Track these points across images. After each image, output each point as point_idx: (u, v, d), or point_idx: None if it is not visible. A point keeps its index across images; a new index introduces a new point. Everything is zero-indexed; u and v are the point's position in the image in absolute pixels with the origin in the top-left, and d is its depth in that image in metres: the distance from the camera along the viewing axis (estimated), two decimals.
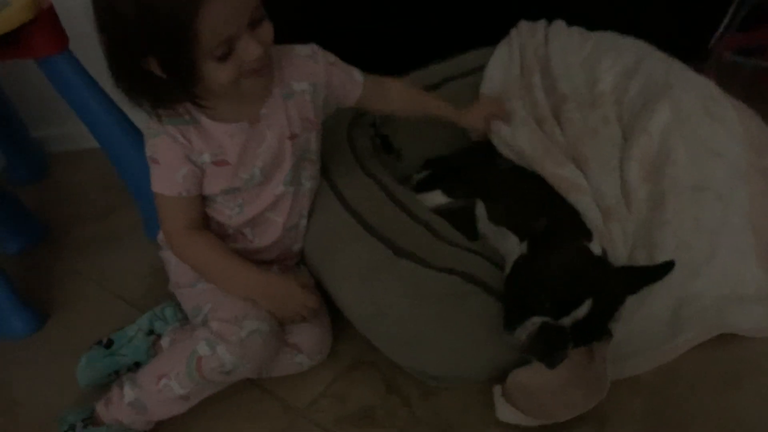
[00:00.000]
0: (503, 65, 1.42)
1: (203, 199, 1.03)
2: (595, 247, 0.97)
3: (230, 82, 0.88)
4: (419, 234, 1.08)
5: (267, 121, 1.00)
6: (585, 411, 0.94)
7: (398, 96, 1.18)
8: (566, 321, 0.88)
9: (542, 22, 1.49)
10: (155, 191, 0.98)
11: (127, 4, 0.79)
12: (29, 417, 1.10)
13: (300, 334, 1.08)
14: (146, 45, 0.83)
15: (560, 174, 1.13)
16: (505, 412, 0.96)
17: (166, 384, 0.98)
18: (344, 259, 1.08)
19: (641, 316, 1.03)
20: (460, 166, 1.31)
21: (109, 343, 1.14)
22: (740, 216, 1.14)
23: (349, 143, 1.25)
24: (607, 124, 1.24)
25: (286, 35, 1.00)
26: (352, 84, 1.10)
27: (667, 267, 0.99)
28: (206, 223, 1.07)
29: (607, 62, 1.32)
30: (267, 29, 0.89)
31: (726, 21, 1.55)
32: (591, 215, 1.07)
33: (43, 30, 1.18)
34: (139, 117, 1.39)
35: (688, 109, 1.19)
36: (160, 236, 1.13)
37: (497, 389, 0.99)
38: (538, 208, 0.99)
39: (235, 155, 0.99)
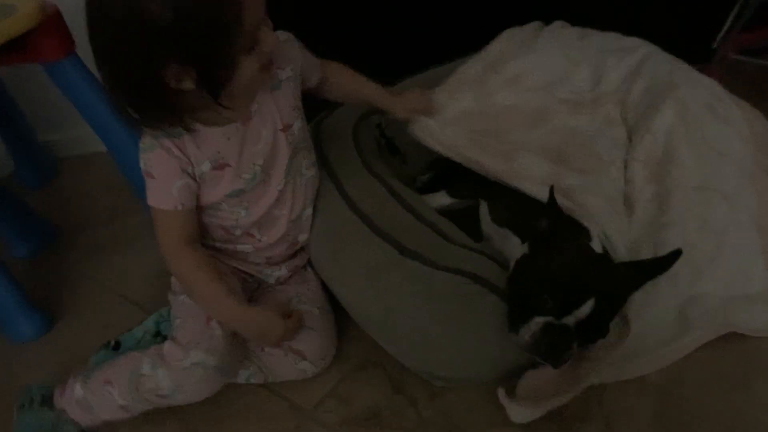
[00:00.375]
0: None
1: (209, 209, 1.02)
2: (596, 245, 0.96)
3: (255, 75, 0.87)
4: (425, 234, 1.08)
5: (259, 116, 0.99)
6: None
7: (344, 76, 1.15)
8: (570, 320, 0.88)
9: (533, 24, 1.48)
10: (150, 205, 0.97)
11: (162, 9, 0.75)
12: None
13: (304, 341, 1.08)
14: (178, 51, 0.79)
15: (496, 166, 1.13)
16: (518, 413, 0.96)
17: (109, 391, 1.00)
18: (350, 259, 1.08)
19: (648, 316, 1.03)
20: (463, 167, 1.31)
21: (117, 345, 1.15)
22: (747, 215, 1.14)
23: (355, 144, 1.25)
24: (611, 124, 1.24)
25: None
26: (314, 66, 1.10)
27: (672, 258, 0.96)
28: (205, 234, 1.06)
29: (612, 61, 1.32)
30: (268, 18, 0.88)
31: (729, 21, 1.56)
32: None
33: (49, 35, 1.18)
34: None
35: (693, 109, 1.19)
36: None
37: (501, 392, 0.98)
38: (539, 208, 0.99)
39: (235, 156, 0.98)
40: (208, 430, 1.06)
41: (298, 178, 1.09)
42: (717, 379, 1.04)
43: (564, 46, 1.39)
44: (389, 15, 1.55)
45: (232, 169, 0.98)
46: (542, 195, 1.03)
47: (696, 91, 1.23)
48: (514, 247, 1.02)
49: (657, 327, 1.04)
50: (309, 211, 1.14)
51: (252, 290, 1.17)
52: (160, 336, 1.17)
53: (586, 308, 0.87)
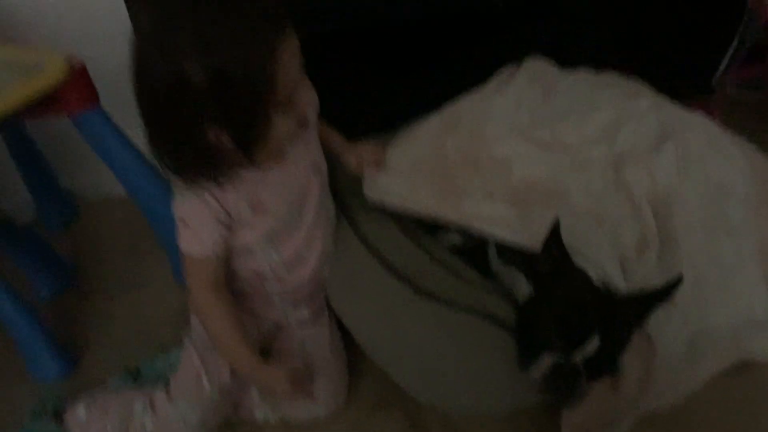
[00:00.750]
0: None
1: (241, 253, 1.04)
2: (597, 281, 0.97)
3: (290, 132, 0.90)
4: (439, 273, 1.10)
5: (292, 156, 1.01)
6: None
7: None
8: (577, 357, 0.89)
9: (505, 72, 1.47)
10: (182, 250, 0.99)
11: (198, 74, 0.77)
12: None
13: (315, 385, 1.11)
14: (215, 111, 0.82)
15: (454, 213, 1.12)
16: None
17: (105, 422, 1.04)
18: (366, 298, 1.11)
19: (660, 350, 1.05)
20: None
21: (137, 372, 1.18)
22: (750, 247, 1.16)
23: None
24: (601, 165, 1.25)
25: None
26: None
27: (674, 284, 0.96)
28: (235, 279, 1.08)
29: (602, 102, 1.33)
30: (307, 78, 0.90)
31: (727, 58, 1.60)
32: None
33: (76, 89, 1.22)
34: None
35: (692, 149, 1.22)
36: None
37: None
38: (545, 248, 1.01)
39: (271, 197, 1.00)
40: None
41: (323, 216, 1.11)
42: (727, 407, 1.05)
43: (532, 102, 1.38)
44: (381, 67, 1.58)
45: (270, 210, 1.01)
46: (512, 238, 1.06)
47: (694, 131, 1.25)
48: (521, 286, 1.03)
49: (669, 361, 1.05)
50: (332, 246, 1.16)
51: (271, 336, 1.19)
52: None
53: (592, 345, 0.88)
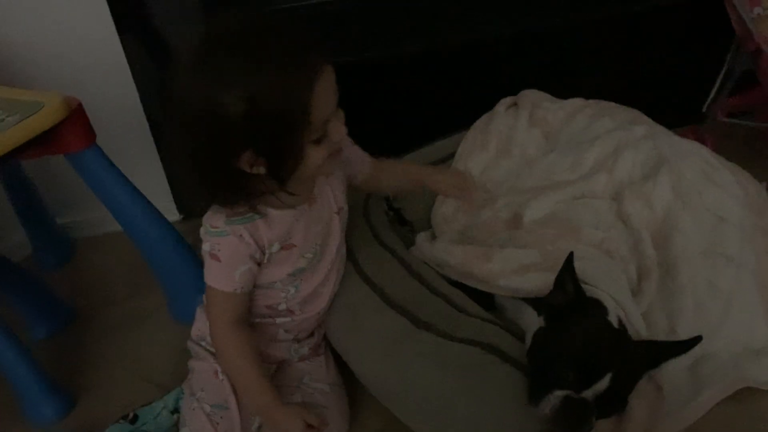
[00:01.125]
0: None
1: (261, 287, 1.05)
2: (613, 319, 0.98)
3: (322, 164, 0.91)
4: (438, 305, 1.10)
5: (319, 199, 1.05)
6: None
7: (394, 172, 1.22)
8: (588, 394, 0.89)
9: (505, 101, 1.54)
10: (209, 284, 1.00)
11: (236, 103, 0.80)
12: None
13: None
14: (250, 141, 0.84)
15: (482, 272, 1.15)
16: None
17: None
18: (366, 332, 1.10)
19: (662, 378, 1.04)
20: None
21: (134, 419, 1.16)
22: (749, 275, 1.17)
23: (365, 217, 1.29)
24: (604, 196, 1.27)
25: None
26: (362, 163, 1.16)
27: (692, 343, 0.98)
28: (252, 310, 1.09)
29: (601, 131, 1.36)
30: (341, 110, 0.91)
31: (717, 86, 1.63)
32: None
33: (73, 127, 1.23)
34: (163, 205, 1.47)
35: (688, 177, 1.23)
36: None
37: None
38: (559, 281, 1.01)
39: (301, 237, 1.02)
40: None
41: (341, 255, 1.14)
42: None
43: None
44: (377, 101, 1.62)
45: (298, 249, 1.03)
46: (526, 287, 1.08)
47: (689, 159, 1.27)
48: (530, 319, 1.03)
49: (672, 389, 1.05)
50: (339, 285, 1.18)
51: (272, 372, 1.18)
52: (177, 412, 1.18)
53: (605, 382, 0.88)
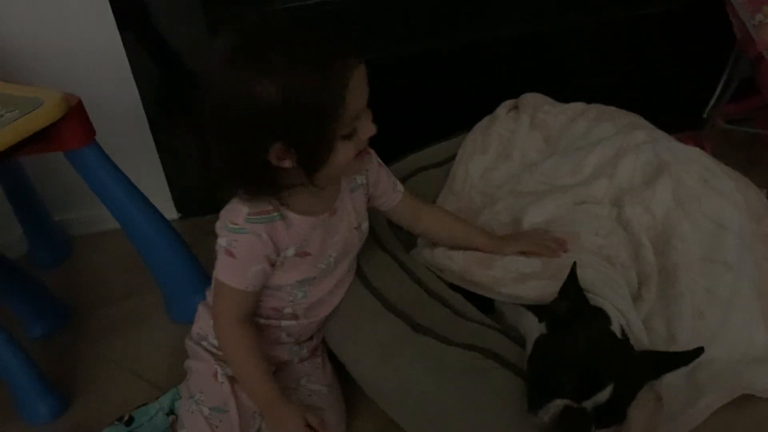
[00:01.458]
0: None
1: (270, 289, 1.06)
2: (616, 329, 0.97)
3: (349, 162, 0.92)
4: (437, 310, 1.10)
5: (340, 212, 1.05)
6: None
7: (431, 223, 1.22)
8: (588, 404, 0.88)
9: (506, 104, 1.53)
10: (220, 279, 1.00)
11: (271, 92, 0.82)
12: None
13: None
14: (282, 133, 0.85)
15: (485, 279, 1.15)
16: None
17: None
18: (364, 336, 1.10)
19: (661, 385, 1.04)
20: None
21: (130, 421, 1.16)
22: (748, 283, 1.17)
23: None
24: (604, 201, 1.27)
25: None
26: (392, 193, 1.16)
27: (694, 355, 0.97)
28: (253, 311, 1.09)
29: (601, 136, 1.36)
30: (369, 110, 0.92)
31: (717, 93, 1.63)
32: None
33: (72, 125, 1.22)
34: (161, 204, 1.46)
35: (687, 184, 1.23)
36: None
37: None
38: (563, 290, 1.01)
39: (317, 246, 1.03)
40: None
41: (353, 268, 1.16)
42: None
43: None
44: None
45: (312, 258, 1.03)
46: (527, 295, 1.07)
47: (689, 165, 1.27)
48: (530, 325, 1.02)
49: (670, 395, 1.05)
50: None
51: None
52: (173, 414, 1.18)
53: (605, 393, 0.88)
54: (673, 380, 1.06)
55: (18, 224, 1.66)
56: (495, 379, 1.00)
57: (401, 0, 1.62)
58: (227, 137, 0.88)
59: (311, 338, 1.19)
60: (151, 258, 1.42)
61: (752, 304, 1.16)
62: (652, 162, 1.27)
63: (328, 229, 1.04)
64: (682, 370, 1.08)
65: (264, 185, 0.93)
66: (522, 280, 1.12)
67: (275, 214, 0.97)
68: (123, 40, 1.54)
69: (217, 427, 1.05)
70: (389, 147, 1.24)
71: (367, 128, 0.92)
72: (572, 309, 0.96)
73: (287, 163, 0.89)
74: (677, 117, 1.63)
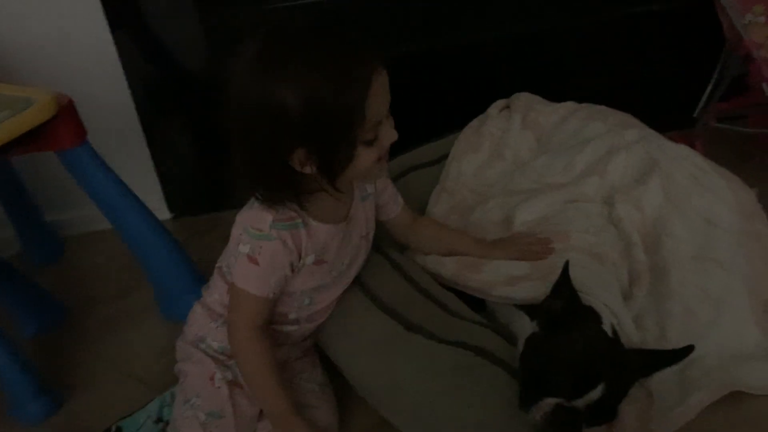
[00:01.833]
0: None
1: (282, 295, 1.05)
2: (607, 328, 0.98)
3: (371, 167, 0.92)
4: (430, 309, 1.10)
5: (354, 221, 1.06)
6: None
7: (423, 235, 1.22)
8: (580, 403, 0.89)
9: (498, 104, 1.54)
10: (239, 286, 0.99)
11: (294, 98, 0.82)
12: None
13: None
14: (305, 138, 0.85)
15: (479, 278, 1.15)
16: None
17: None
18: (357, 335, 1.11)
19: (651, 382, 1.05)
20: None
21: (118, 431, 1.15)
22: (738, 280, 1.17)
23: None
24: (595, 200, 1.27)
25: None
26: (392, 204, 1.17)
27: (684, 352, 0.98)
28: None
29: (593, 134, 1.37)
30: (391, 116, 0.93)
31: (708, 91, 1.64)
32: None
33: (63, 124, 1.22)
34: (153, 204, 1.46)
35: (678, 181, 1.24)
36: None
37: None
38: (555, 289, 1.01)
39: (333, 254, 1.03)
40: None
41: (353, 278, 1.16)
42: None
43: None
44: None
45: (327, 265, 1.04)
46: (519, 296, 1.08)
47: (679, 163, 1.28)
48: (522, 324, 1.03)
49: (660, 392, 1.06)
50: None
51: None
52: (161, 422, 1.16)
53: (597, 392, 0.88)
54: (664, 377, 1.07)
55: (10, 224, 1.65)
56: (486, 376, 1.00)
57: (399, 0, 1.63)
58: (250, 142, 0.88)
59: (305, 339, 1.19)
60: (144, 257, 1.42)
61: (743, 301, 1.16)
62: (643, 160, 1.28)
63: (344, 237, 1.04)
64: (673, 368, 1.09)
65: (285, 190, 0.93)
66: (512, 282, 1.12)
67: (299, 220, 0.96)
68: (114, 39, 1.54)
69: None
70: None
71: (389, 134, 0.92)
72: (564, 308, 0.96)
73: (309, 169, 0.89)
74: (668, 116, 1.63)
